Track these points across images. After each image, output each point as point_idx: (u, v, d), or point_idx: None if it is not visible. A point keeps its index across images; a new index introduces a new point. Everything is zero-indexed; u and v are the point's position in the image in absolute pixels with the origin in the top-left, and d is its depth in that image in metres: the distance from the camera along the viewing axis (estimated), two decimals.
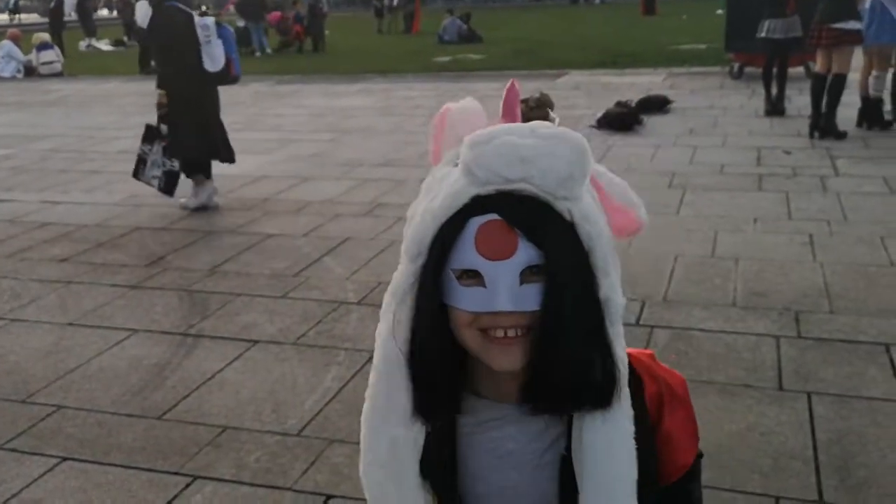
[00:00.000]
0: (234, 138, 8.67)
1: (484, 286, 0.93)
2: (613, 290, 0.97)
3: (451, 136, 1.04)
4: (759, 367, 3.20)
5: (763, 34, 8.33)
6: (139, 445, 2.87)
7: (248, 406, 3.11)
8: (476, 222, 0.93)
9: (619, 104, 8.59)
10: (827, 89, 7.20)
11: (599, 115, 8.42)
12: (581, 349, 0.95)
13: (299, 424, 2.95)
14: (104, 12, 39.56)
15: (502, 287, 0.92)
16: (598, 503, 0.99)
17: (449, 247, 0.94)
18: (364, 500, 1.10)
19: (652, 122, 8.50)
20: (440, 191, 0.97)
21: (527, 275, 0.93)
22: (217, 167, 6.21)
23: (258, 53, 19.47)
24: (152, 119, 6.03)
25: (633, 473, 0.99)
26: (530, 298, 0.93)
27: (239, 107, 11.34)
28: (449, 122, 1.06)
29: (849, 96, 7.64)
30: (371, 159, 7.38)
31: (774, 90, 8.53)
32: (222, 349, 3.60)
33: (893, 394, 2.95)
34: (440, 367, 0.99)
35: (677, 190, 5.77)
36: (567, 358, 0.94)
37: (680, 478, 1.11)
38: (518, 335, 0.95)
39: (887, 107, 7.51)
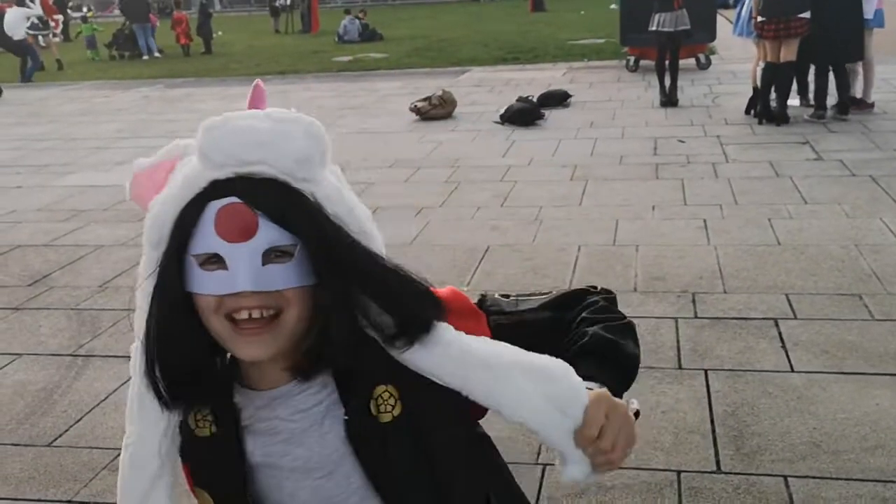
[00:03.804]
0: (120, 147, 8.44)
1: (226, 269, 0.93)
2: (370, 238, 0.99)
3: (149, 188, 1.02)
4: (660, 348, 3.27)
5: (654, 27, 8.57)
6: (27, 475, 2.71)
7: None
8: (215, 206, 0.93)
9: (520, 99, 8.70)
10: (781, 78, 7.31)
11: (502, 110, 8.50)
12: (352, 320, 0.96)
13: None
14: None
15: (242, 268, 0.92)
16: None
17: (189, 232, 0.94)
18: None
19: (553, 115, 8.63)
20: (177, 178, 0.97)
21: (271, 256, 0.93)
22: (102, 177, 5.95)
23: (146, 56, 18.82)
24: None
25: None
26: (273, 278, 0.93)
27: (124, 113, 10.96)
28: (137, 183, 1.04)
29: (742, 85, 7.97)
30: None
31: (668, 82, 8.80)
32: (116, 368, 3.43)
33: (782, 365, 3.08)
34: (186, 356, 0.99)
35: (579, 182, 5.85)
36: (343, 331, 0.96)
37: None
38: (263, 317, 0.95)
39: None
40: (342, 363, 1.00)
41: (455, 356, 0.99)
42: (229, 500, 1.07)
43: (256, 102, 1.06)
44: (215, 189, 0.94)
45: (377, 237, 1.01)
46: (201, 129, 0.95)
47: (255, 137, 0.93)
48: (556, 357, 1.02)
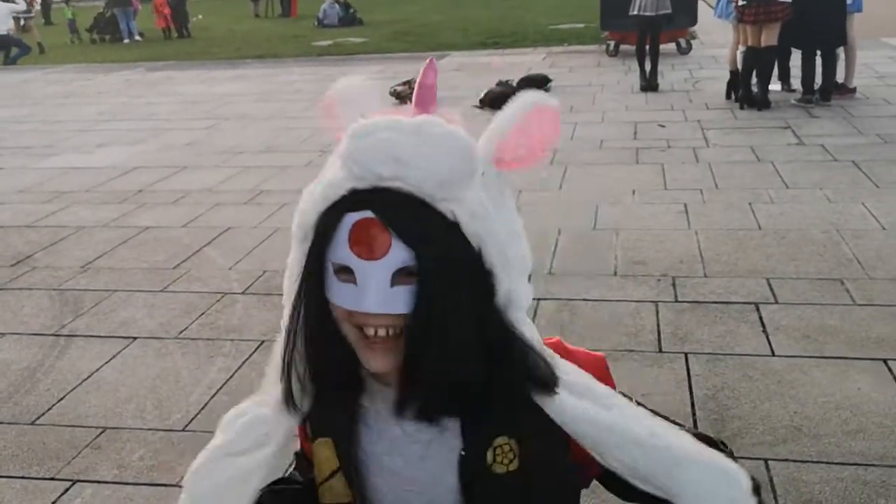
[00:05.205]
0: (101, 129, 8.36)
1: (356, 284, 0.91)
2: (515, 282, 0.96)
3: (351, 113, 0.97)
4: (640, 331, 3.31)
5: (634, 11, 8.58)
6: (10, 453, 2.71)
7: (129, 404, 2.98)
8: (351, 218, 0.90)
9: (500, 84, 8.70)
10: (762, 63, 7.34)
11: (482, 94, 8.49)
12: (456, 354, 0.92)
13: (184, 419, 2.85)
14: None
15: (372, 288, 0.89)
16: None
17: (329, 237, 0.92)
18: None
19: None
20: (323, 177, 0.95)
21: (400, 276, 0.90)
22: (83, 159, 5.91)
23: (126, 40, 18.62)
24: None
25: None
26: (399, 301, 0.90)
27: (105, 96, 10.85)
28: (342, 99, 1.00)
29: (723, 70, 8.03)
30: (251, 146, 7.18)
31: (648, 66, 8.82)
32: (98, 348, 3.43)
33: (763, 349, 3.12)
34: (330, 355, 0.97)
35: (559, 166, 5.86)
36: (438, 364, 0.92)
37: None
38: (389, 336, 0.92)
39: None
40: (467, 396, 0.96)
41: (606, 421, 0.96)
42: (349, 452, 1.05)
43: (426, 92, 1.01)
44: (354, 199, 0.90)
45: (520, 257, 0.98)
46: (347, 136, 0.92)
47: (394, 153, 0.89)
48: None
